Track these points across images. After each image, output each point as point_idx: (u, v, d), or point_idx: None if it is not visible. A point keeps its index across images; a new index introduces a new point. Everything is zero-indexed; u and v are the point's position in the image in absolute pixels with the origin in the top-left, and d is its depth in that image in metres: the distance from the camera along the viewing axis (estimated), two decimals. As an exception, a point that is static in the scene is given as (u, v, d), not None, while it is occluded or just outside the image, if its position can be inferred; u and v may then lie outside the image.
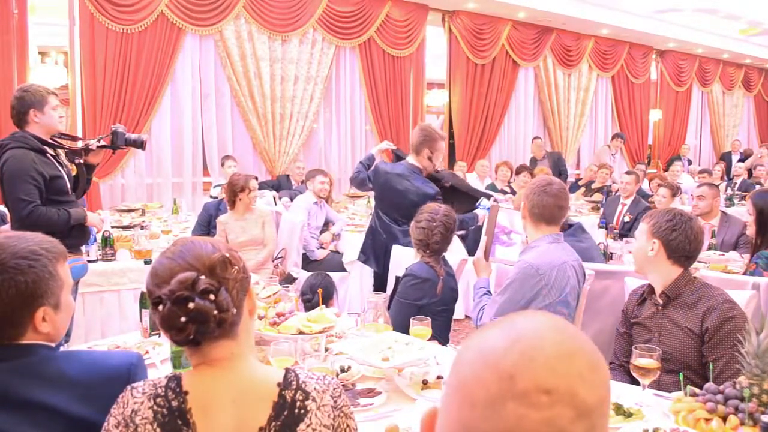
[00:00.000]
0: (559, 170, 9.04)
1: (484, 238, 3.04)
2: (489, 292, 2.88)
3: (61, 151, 3.30)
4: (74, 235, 3.24)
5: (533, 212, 2.66)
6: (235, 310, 1.24)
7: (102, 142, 3.38)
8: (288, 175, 7.43)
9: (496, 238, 3.05)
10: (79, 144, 3.39)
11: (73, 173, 3.37)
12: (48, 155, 3.17)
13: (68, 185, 3.26)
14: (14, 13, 5.95)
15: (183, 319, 1.18)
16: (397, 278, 3.17)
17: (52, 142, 3.22)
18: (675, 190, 5.71)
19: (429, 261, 3.00)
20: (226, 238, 4.45)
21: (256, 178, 4.72)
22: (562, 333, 0.66)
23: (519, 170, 7.91)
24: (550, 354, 0.63)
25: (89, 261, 3.84)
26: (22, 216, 3.03)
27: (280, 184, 7.22)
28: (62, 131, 3.37)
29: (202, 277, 1.21)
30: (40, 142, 3.14)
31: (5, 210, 4.72)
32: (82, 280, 3.50)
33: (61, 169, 3.22)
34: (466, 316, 5.68)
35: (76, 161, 3.34)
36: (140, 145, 3.48)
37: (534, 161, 9.19)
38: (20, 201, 3.03)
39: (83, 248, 3.69)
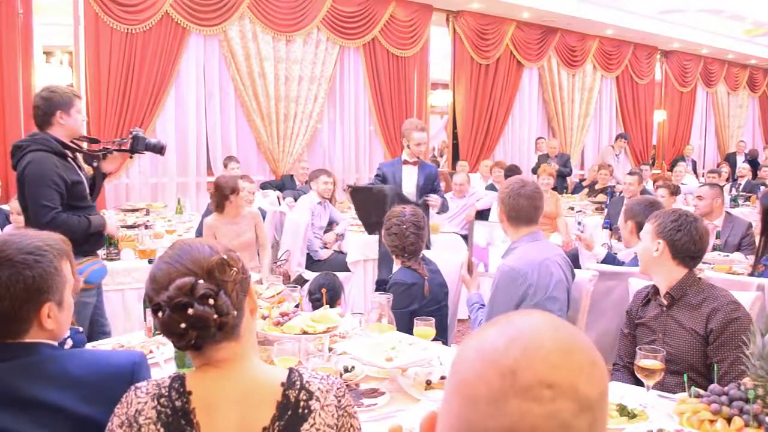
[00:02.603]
0: (566, 168, 9.05)
1: (466, 254, 3.07)
2: (483, 305, 2.90)
3: (78, 155, 3.20)
4: (92, 240, 3.18)
5: (510, 216, 2.70)
6: (235, 313, 1.24)
7: (121, 146, 3.30)
8: (292, 175, 7.43)
9: (479, 252, 3.08)
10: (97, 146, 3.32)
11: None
12: (69, 159, 3.06)
13: (87, 190, 3.16)
14: (19, 13, 5.96)
15: (183, 325, 1.18)
16: (381, 286, 3.13)
17: (72, 145, 3.12)
18: (674, 189, 5.72)
19: (410, 264, 2.98)
20: None
21: (242, 178, 4.68)
22: (559, 330, 0.67)
23: (508, 171, 7.80)
24: (550, 349, 0.64)
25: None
26: (43, 223, 2.88)
27: (283, 184, 7.23)
28: (83, 134, 3.27)
29: (201, 281, 1.20)
30: (62, 146, 3.02)
31: (8, 209, 4.74)
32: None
33: (81, 173, 3.12)
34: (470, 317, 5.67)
35: (94, 164, 3.26)
36: (159, 150, 3.38)
37: (545, 158, 9.13)
38: (43, 207, 2.92)
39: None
